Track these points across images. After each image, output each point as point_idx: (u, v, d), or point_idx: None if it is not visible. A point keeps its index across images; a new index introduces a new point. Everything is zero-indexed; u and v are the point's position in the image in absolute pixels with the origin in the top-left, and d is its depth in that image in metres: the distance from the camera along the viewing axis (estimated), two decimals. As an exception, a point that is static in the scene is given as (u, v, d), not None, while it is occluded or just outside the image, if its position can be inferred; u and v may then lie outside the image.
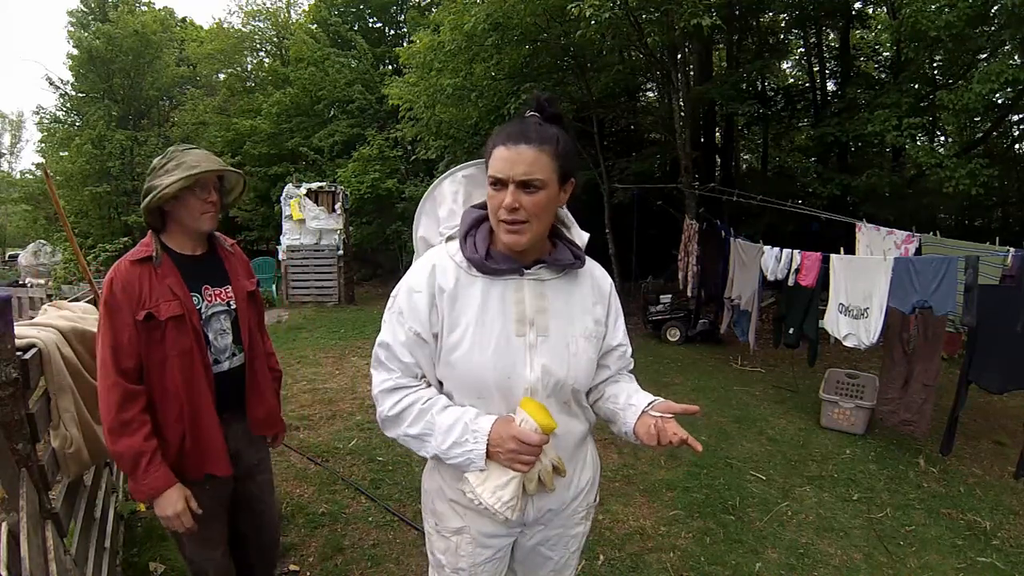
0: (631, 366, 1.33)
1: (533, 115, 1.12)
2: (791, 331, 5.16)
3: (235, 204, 1.76)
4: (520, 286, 1.14)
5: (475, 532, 1.21)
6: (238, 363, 1.67)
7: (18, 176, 22.58)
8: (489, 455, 1.07)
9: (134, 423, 1.45)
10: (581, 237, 1.23)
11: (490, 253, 1.13)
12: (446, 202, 1.30)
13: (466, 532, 1.21)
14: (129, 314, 1.46)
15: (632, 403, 1.20)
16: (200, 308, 1.58)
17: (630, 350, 1.31)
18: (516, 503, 1.10)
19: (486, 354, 1.09)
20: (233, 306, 1.66)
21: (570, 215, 1.24)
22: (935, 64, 7.97)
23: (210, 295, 1.61)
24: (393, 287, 1.21)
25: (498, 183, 1.07)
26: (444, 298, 1.11)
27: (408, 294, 1.14)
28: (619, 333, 1.26)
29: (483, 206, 1.18)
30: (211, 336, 1.60)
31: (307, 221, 10.48)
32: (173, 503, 1.49)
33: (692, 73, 9.72)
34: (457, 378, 1.12)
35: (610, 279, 1.29)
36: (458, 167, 1.31)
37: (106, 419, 1.44)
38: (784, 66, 12.94)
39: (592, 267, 1.25)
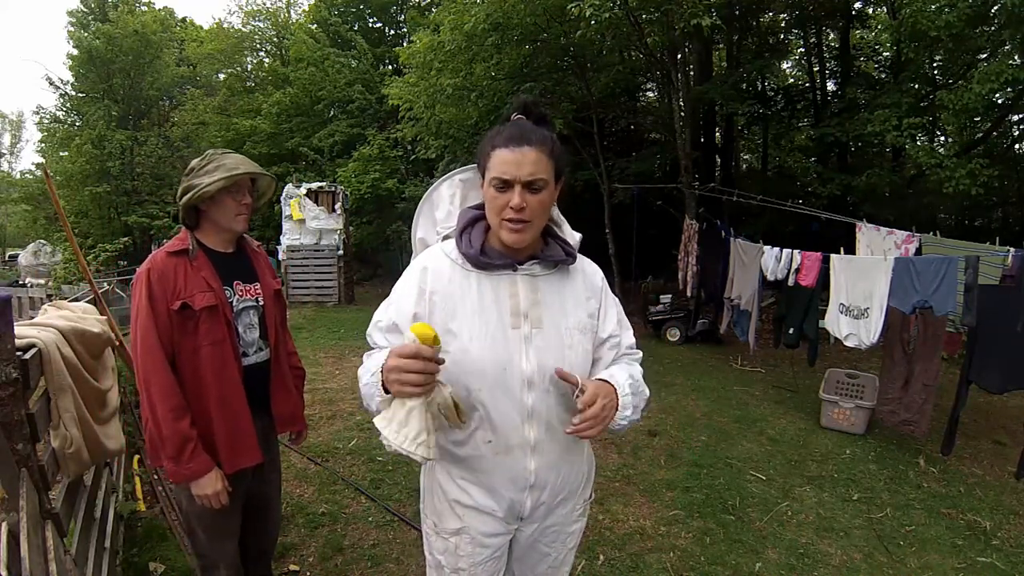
0: (635, 355, 1.30)
1: (520, 118, 1.17)
2: (791, 331, 5.16)
3: (265, 207, 1.85)
4: (514, 281, 1.17)
5: (474, 532, 1.22)
6: (264, 358, 1.73)
7: (18, 176, 22.59)
8: (387, 388, 1.04)
9: (181, 409, 1.52)
10: (573, 237, 1.26)
11: (484, 249, 1.16)
12: (443, 204, 1.34)
13: (465, 533, 1.22)
14: (163, 303, 1.52)
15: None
16: (232, 302, 1.64)
17: (629, 341, 1.29)
18: (426, 439, 1.03)
19: (483, 346, 1.11)
20: (261, 302, 1.73)
21: (560, 215, 1.27)
22: (935, 64, 7.97)
23: (241, 290, 1.68)
24: (393, 287, 1.24)
25: (504, 184, 1.09)
26: (435, 296, 1.14)
27: (399, 286, 1.20)
28: (610, 324, 1.25)
29: (479, 207, 1.21)
30: (240, 330, 1.67)
31: (307, 221, 10.48)
32: (213, 483, 1.55)
33: (692, 73, 9.72)
34: (453, 371, 1.12)
35: (601, 273, 1.30)
36: (455, 171, 1.36)
37: (161, 404, 1.50)
38: (784, 66, 12.96)
39: (583, 263, 1.27)
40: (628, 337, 1.29)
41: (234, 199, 1.62)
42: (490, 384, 1.12)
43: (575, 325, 1.19)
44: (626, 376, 1.16)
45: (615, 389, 1.11)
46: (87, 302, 2.76)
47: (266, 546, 1.93)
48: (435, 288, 1.14)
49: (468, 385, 1.12)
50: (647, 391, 1.22)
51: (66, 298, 3.19)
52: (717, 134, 12.43)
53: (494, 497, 1.19)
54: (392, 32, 19.18)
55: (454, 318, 1.13)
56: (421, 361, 0.98)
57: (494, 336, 1.12)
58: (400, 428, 1.03)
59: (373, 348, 1.21)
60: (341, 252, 10.55)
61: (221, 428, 1.59)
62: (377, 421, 1.05)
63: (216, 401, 1.58)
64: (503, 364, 1.12)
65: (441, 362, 1.02)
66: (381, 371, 1.05)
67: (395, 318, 1.17)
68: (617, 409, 1.11)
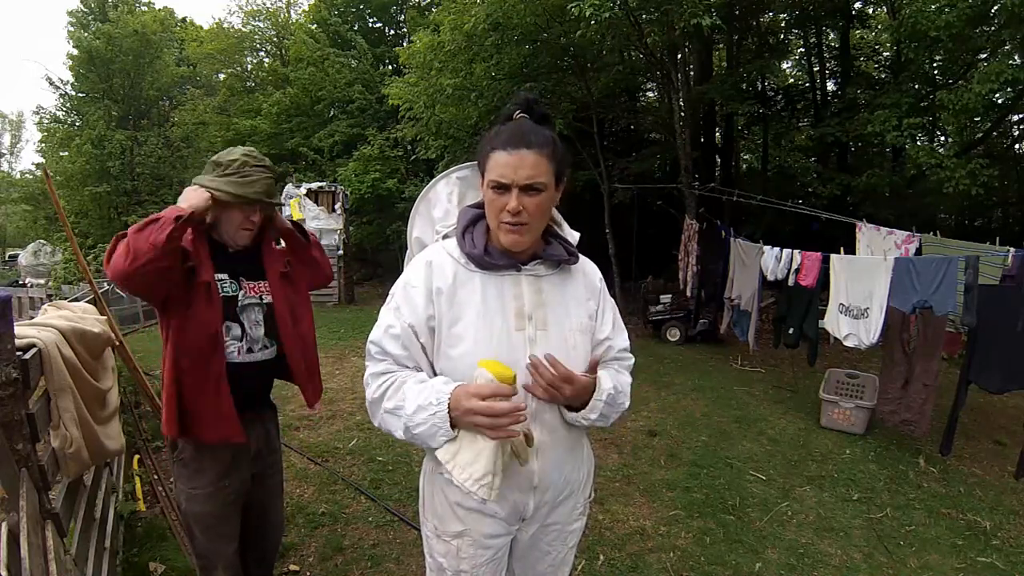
0: (626, 361, 1.30)
1: (522, 116, 1.15)
2: (791, 331, 5.16)
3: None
4: (518, 281, 1.16)
5: (476, 535, 1.21)
6: (269, 356, 1.70)
7: (18, 176, 22.62)
8: (455, 423, 1.03)
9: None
10: (573, 236, 1.25)
11: (488, 249, 1.14)
12: (441, 203, 1.33)
13: (467, 535, 1.21)
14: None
15: None
16: (237, 296, 1.64)
17: (622, 344, 1.28)
18: (491, 480, 1.03)
19: (489, 348, 1.10)
20: (266, 300, 1.70)
21: (559, 214, 1.26)
22: (935, 64, 7.97)
23: (247, 287, 1.67)
24: (392, 287, 1.21)
25: (501, 187, 1.08)
26: (442, 295, 1.12)
27: (405, 289, 1.16)
28: (607, 327, 1.25)
29: (478, 206, 1.20)
30: (247, 326, 1.65)
31: (307, 221, 10.49)
32: (191, 197, 1.51)
33: (692, 73, 9.72)
34: (458, 373, 1.11)
35: (600, 274, 1.30)
36: (451, 169, 1.34)
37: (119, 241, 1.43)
38: (784, 66, 12.94)
39: (583, 263, 1.27)
40: (621, 340, 1.28)
41: (243, 213, 1.61)
42: None
43: (577, 326, 1.19)
44: (611, 384, 1.17)
45: (593, 388, 1.14)
46: (87, 302, 2.76)
47: (267, 550, 1.92)
48: (440, 287, 1.13)
49: None
50: (627, 403, 1.23)
51: (66, 298, 3.19)
52: (717, 134, 12.43)
53: (497, 499, 1.18)
54: (392, 32, 19.20)
55: (459, 320, 1.11)
56: (506, 404, 0.99)
57: (499, 339, 1.11)
58: (466, 467, 1.02)
59: (382, 361, 1.14)
60: (341, 252, 10.57)
61: (196, 407, 1.57)
62: (440, 454, 1.05)
63: (196, 386, 1.56)
64: (508, 366, 1.11)
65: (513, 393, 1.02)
66: (448, 408, 1.02)
67: (410, 320, 1.12)
68: (580, 406, 1.14)
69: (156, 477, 3.05)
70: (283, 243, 1.82)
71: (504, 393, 1.00)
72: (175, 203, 1.60)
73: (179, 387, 1.56)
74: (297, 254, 1.80)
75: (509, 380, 1.01)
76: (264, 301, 1.71)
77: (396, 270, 1.28)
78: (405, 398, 1.07)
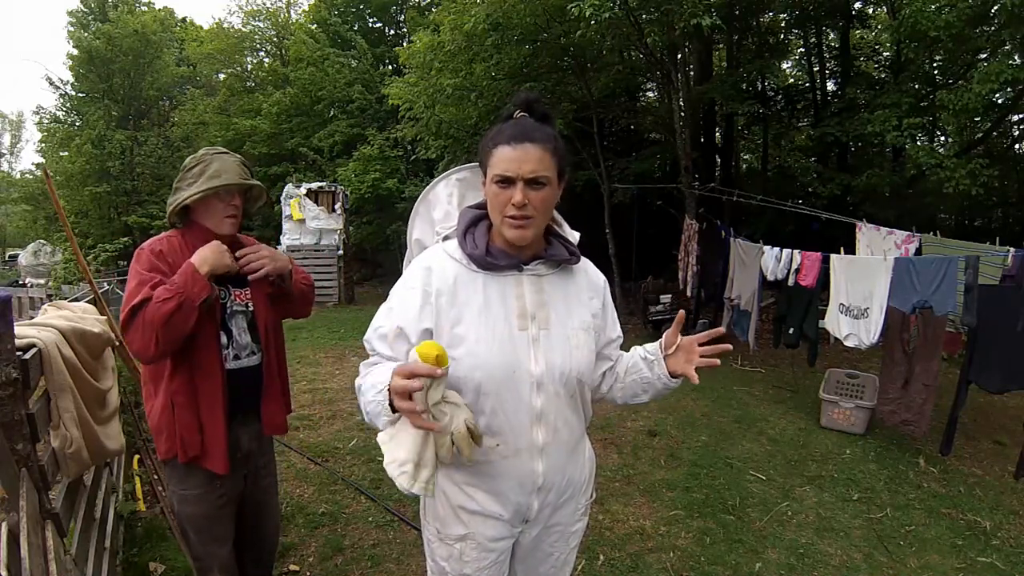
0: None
1: (523, 115, 1.15)
2: (791, 331, 5.16)
3: (259, 213, 1.84)
4: (519, 281, 1.16)
5: (480, 538, 1.20)
6: (255, 361, 1.71)
7: (18, 176, 22.61)
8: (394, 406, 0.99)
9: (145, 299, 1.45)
10: (573, 236, 1.27)
11: (489, 250, 1.15)
12: (440, 204, 1.34)
13: (470, 539, 1.20)
14: (159, 274, 1.50)
15: (648, 356, 1.24)
16: (226, 303, 1.64)
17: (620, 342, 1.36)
18: (411, 469, 0.99)
19: (492, 349, 1.10)
20: (251, 308, 1.70)
21: (559, 215, 1.27)
22: (935, 64, 7.96)
23: (234, 294, 1.68)
24: (392, 289, 1.21)
25: (506, 181, 1.09)
26: (441, 297, 1.12)
27: (401, 291, 1.16)
28: (616, 325, 1.31)
29: (479, 207, 1.20)
30: (235, 332, 1.66)
31: (307, 221, 10.50)
32: (206, 255, 1.51)
33: (692, 73, 9.71)
34: (460, 373, 1.10)
35: (602, 275, 1.32)
36: (451, 170, 1.36)
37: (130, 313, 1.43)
38: (784, 66, 12.93)
39: (585, 263, 1.28)
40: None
41: (222, 200, 1.61)
42: (498, 387, 1.11)
43: (580, 325, 1.19)
44: None
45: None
46: (87, 302, 2.77)
47: (263, 550, 1.91)
48: (440, 290, 1.12)
49: (476, 388, 1.11)
50: None
51: (66, 298, 3.19)
52: (717, 134, 12.41)
53: (500, 501, 1.18)
54: (392, 32, 19.19)
55: (460, 321, 1.11)
56: (417, 380, 0.93)
57: (501, 339, 1.11)
58: (392, 450, 1.00)
59: (372, 356, 1.17)
60: (341, 252, 10.56)
61: (195, 428, 1.58)
62: (380, 437, 1.04)
63: (196, 401, 1.57)
64: (512, 367, 1.11)
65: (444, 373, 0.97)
66: (388, 389, 0.98)
67: (400, 323, 1.12)
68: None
69: (156, 477, 3.05)
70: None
71: (420, 373, 0.93)
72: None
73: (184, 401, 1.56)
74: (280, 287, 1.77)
75: (431, 359, 0.95)
76: (249, 308, 1.71)
77: (396, 270, 1.29)
78: (369, 379, 1.08)
